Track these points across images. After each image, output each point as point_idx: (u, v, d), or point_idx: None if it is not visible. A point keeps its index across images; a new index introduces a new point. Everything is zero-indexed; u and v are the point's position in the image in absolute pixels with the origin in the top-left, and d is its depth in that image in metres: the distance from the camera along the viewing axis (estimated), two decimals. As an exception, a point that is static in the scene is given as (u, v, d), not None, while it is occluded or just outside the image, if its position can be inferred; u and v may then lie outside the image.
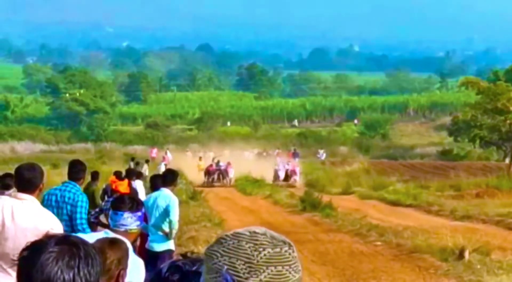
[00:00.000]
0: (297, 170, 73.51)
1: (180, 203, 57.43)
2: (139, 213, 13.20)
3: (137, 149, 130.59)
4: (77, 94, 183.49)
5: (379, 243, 40.49)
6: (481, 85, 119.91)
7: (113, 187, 35.41)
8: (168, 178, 24.79)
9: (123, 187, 34.93)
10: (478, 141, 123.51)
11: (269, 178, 75.91)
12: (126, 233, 13.05)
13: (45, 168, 22.90)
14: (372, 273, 31.13)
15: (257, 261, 4.05)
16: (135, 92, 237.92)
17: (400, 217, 53.82)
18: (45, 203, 19.77)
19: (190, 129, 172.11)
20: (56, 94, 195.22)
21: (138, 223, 13.15)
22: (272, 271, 3.89)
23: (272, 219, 54.99)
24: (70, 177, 21.18)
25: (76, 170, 21.56)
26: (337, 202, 62.45)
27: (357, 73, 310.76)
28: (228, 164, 74.61)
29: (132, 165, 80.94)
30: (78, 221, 19.41)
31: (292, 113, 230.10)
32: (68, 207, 18.77)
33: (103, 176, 42.42)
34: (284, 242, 4.00)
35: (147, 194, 30.64)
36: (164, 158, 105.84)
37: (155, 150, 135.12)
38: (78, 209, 20.21)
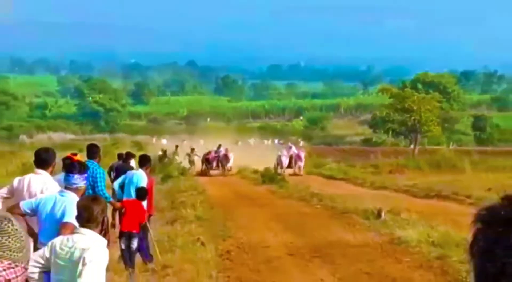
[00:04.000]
0: (302, 155, 66.97)
1: (172, 177, 57.95)
2: (85, 175, 13.28)
3: (142, 138, 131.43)
4: (97, 98, 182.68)
5: (318, 206, 40.74)
6: (393, 91, 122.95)
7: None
8: (142, 162, 24.57)
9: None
10: (390, 132, 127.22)
11: (244, 163, 70.26)
12: (76, 190, 12.95)
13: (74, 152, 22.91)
14: (314, 228, 31.19)
15: None
16: (140, 96, 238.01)
17: (334, 187, 53.86)
18: None
19: (180, 124, 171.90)
20: (82, 97, 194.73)
21: (84, 182, 13.14)
22: None
23: (241, 189, 54.98)
24: (89, 157, 21.17)
25: (92, 151, 21.62)
26: (287, 177, 62.53)
27: (303, 82, 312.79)
28: (226, 150, 68.19)
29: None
30: (99, 188, 19.52)
31: (255, 112, 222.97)
32: (90, 179, 18.65)
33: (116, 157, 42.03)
34: (5, 218, 3.86)
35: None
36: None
37: (154, 138, 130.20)
38: (98, 179, 20.18)
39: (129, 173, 25.38)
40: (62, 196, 12.93)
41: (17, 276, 3.71)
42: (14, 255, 3.66)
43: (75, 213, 11.00)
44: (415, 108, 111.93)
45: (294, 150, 67.34)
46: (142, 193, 21.78)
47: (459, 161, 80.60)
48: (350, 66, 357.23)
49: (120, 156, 31.14)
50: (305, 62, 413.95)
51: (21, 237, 3.79)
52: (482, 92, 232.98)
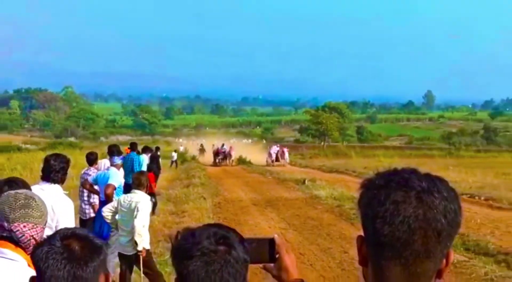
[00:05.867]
0: (286, 153, 63.31)
1: (188, 161, 57.53)
2: (121, 156, 14.92)
3: (169, 138, 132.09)
4: (144, 116, 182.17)
5: (270, 177, 40.93)
6: (312, 112, 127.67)
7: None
8: (144, 150, 24.56)
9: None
10: (310, 135, 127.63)
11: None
12: (116, 165, 14.45)
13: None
14: (267, 190, 31.33)
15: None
16: (169, 115, 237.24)
17: (279, 167, 54.02)
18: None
19: (191, 131, 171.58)
20: (135, 116, 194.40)
21: (120, 160, 14.80)
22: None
23: (227, 168, 54.63)
24: (131, 150, 21.09)
25: (133, 147, 21.56)
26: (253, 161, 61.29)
27: (261, 107, 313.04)
28: (231, 147, 64.76)
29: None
30: (136, 168, 18.33)
31: (233, 124, 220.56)
32: (129, 162, 18.70)
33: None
34: (30, 197, 3.77)
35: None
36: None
37: (176, 139, 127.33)
38: (135, 163, 19.56)
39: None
40: (108, 170, 13.70)
41: (37, 233, 3.62)
42: (36, 220, 3.56)
43: (115, 178, 13.07)
44: (324, 122, 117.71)
45: (276, 148, 63.72)
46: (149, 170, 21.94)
47: (348, 152, 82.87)
48: (287, 99, 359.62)
49: (150, 149, 30.65)
50: (262, 95, 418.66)
51: (41, 208, 3.66)
52: (361, 113, 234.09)
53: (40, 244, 2.57)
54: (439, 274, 1.86)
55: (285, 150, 63.90)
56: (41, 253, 2.52)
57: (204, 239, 2.35)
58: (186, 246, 2.36)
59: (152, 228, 10.78)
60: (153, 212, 15.90)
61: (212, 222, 3.15)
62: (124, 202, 10.12)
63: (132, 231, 9.79)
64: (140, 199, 9.91)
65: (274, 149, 62.69)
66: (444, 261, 1.86)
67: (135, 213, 9.75)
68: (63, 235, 2.58)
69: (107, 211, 10.37)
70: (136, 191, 10.10)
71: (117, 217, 10.20)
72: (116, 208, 10.23)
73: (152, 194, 14.93)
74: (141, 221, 9.78)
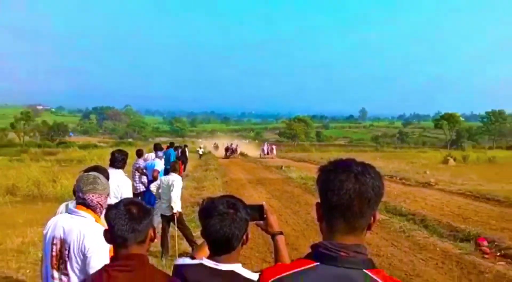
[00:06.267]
0: (274, 149, 60.26)
1: (205, 154, 56.13)
2: (163, 151, 15.73)
3: (193, 140, 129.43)
4: (178, 125, 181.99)
5: (260, 164, 40.37)
6: (287, 122, 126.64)
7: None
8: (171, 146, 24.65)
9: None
10: (286, 137, 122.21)
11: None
12: (160, 157, 15.04)
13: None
14: (257, 172, 30.95)
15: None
16: (193, 124, 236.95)
17: (268, 159, 53.59)
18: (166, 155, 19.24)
19: (208, 134, 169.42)
20: (171, 124, 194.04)
21: (161, 155, 15.35)
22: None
23: (232, 160, 52.20)
24: (170, 147, 21.01)
25: (171, 145, 21.52)
26: (266, 158, 59.81)
27: (253, 119, 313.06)
28: (237, 145, 62.23)
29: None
30: (171, 160, 18.12)
31: (236, 130, 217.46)
32: (165, 156, 18.62)
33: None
34: (97, 176, 3.78)
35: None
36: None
37: (199, 140, 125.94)
38: (171, 156, 19.45)
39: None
40: (154, 160, 14.52)
41: (102, 200, 3.62)
42: (100, 192, 3.56)
43: (158, 166, 13.92)
44: (294, 128, 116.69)
45: (267, 145, 62.34)
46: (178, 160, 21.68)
47: (310, 148, 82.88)
48: (271, 113, 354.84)
49: (180, 147, 30.29)
50: (255, 111, 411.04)
51: (104, 184, 3.69)
52: (319, 123, 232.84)
53: (110, 208, 2.63)
54: (369, 227, 1.89)
55: (274, 146, 61.95)
56: (111, 214, 2.58)
57: (220, 205, 2.54)
58: (208, 209, 2.56)
59: (182, 198, 10.76)
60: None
61: (223, 194, 3.24)
62: (164, 181, 10.31)
63: (169, 200, 10.02)
64: (174, 178, 10.15)
65: (265, 146, 61.12)
66: (372, 219, 1.88)
67: (171, 188, 10.01)
68: (125, 202, 2.65)
69: (153, 187, 10.68)
70: (172, 173, 10.34)
71: (159, 190, 10.38)
72: (159, 185, 10.44)
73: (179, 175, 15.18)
74: (175, 193, 10.01)
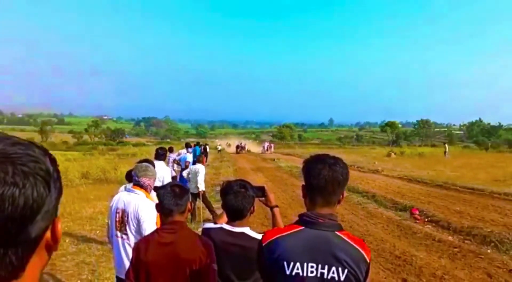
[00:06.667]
0: (272, 147, 56.47)
1: (220, 150, 54.37)
2: (191, 148, 14.49)
3: (212, 139, 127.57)
4: (201, 129, 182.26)
5: (259, 158, 39.76)
6: (278, 128, 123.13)
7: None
8: (187, 146, 24.45)
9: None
10: (278, 139, 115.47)
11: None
12: (189, 153, 13.94)
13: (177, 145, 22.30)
14: (257, 163, 30.73)
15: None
16: (213, 129, 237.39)
17: (267, 154, 53.07)
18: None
19: (223, 136, 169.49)
20: (198, 129, 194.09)
21: (190, 151, 14.08)
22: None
23: (242, 155, 51.44)
24: (196, 145, 20.86)
25: (196, 144, 21.35)
26: (265, 154, 59.08)
27: (254, 125, 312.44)
28: (245, 144, 60.02)
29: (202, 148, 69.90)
30: (197, 154, 18.02)
31: (242, 133, 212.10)
32: (193, 152, 18.44)
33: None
34: (146, 165, 3.57)
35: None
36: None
37: (217, 140, 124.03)
38: (197, 152, 19.19)
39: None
40: (186, 154, 14.18)
41: (151, 182, 3.61)
42: (150, 176, 3.58)
43: (188, 158, 13.30)
44: (283, 132, 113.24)
45: (267, 143, 59.54)
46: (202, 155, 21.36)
47: (294, 146, 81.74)
48: (267, 121, 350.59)
49: (202, 144, 30.16)
50: (256, 120, 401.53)
51: (153, 171, 3.67)
52: (300, 128, 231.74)
53: (159, 188, 2.69)
54: (339, 202, 1.91)
55: (272, 145, 59.26)
56: (161, 193, 2.61)
57: (234, 186, 2.58)
58: (226, 189, 2.59)
59: (205, 181, 10.68)
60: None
61: (235, 178, 3.25)
62: (192, 169, 10.21)
63: (196, 182, 9.96)
64: (199, 167, 10.04)
65: (266, 144, 58.85)
66: (341, 196, 1.90)
67: (197, 174, 9.93)
68: (171, 184, 2.68)
69: (185, 173, 10.59)
70: (198, 164, 10.22)
71: (189, 176, 10.25)
72: (189, 172, 10.33)
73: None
74: (201, 178, 9.92)
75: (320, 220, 1.82)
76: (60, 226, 0.70)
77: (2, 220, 0.60)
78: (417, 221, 10.01)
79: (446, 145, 43.55)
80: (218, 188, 12.22)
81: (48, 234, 0.68)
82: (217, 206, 10.64)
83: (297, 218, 1.89)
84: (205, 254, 2.48)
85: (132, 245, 3.35)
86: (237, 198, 2.52)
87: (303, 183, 1.91)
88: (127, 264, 3.35)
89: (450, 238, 8.39)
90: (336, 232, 1.81)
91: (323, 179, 1.85)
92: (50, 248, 0.70)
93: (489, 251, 7.41)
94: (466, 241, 8.10)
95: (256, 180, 19.07)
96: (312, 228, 1.81)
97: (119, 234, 3.50)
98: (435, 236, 8.54)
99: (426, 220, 10.08)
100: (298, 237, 1.80)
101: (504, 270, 6.33)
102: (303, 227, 1.83)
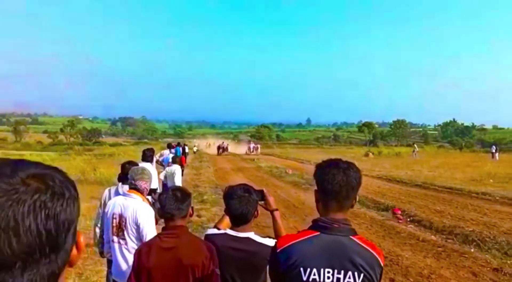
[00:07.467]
0: (258, 147, 52.64)
1: (199, 151, 54.26)
2: (174, 149, 13.97)
3: (191, 140, 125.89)
4: (179, 129, 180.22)
5: (239, 158, 39.70)
6: (257, 128, 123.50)
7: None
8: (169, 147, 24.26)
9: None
10: (256, 139, 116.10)
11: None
12: (171, 152, 13.49)
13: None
14: (237, 163, 30.65)
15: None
16: (191, 129, 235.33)
17: (247, 154, 53.35)
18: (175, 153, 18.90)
19: (200, 137, 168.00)
20: (175, 130, 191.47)
21: (173, 151, 13.71)
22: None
23: (223, 155, 50.42)
24: (177, 146, 20.67)
25: (178, 144, 21.15)
26: (251, 155, 58.89)
27: (232, 125, 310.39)
28: (227, 144, 57.07)
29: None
30: (179, 155, 17.86)
31: (219, 134, 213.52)
32: (180, 152, 18.31)
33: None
34: (143, 168, 3.50)
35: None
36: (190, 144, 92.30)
37: (195, 140, 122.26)
38: (178, 152, 18.98)
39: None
40: (168, 156, 13.02)
41: (147, 185, 3.60)
42: (146, 179, 3.56)
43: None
44: (262, 132, 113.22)
45: (253, 144, 55.41)
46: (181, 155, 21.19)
47: (272, 146, 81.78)
48: (244, 122, 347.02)
49: (181, 145, 29.94)
50: (233, 120, 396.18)
51: (149, 173, 3.64)
52: (278, 128, 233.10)
53: (161, 194, 2.64)
54: (352, 206, 1.91)
55: (258, 145, 55.62)
56: (162, 197, 2.59)
57: (238, 190, 2.54)
58: (230, 193, 2.54)
59: (184, 181, 10.53)
60: (182, 174, 15.88)
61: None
62: (168, 170, 9.96)
63: (174, 183, 9.58)
64: (176, 168, 9.84)
65: (251, 145, 55.40)
66: (354, 200, 1.92)
67: (174, 175, 9.71)
68: (172, 188, 2.66)
69: (162, 175, 10.05)
70: (174, 165, 9.98)
71: (166, 177, 9.93)
72: (165, 174, 10.01)
73: (182, 166, 14.67)
74: (178, 178, 9.67)
75: (335, 225, 1.82)
76: (83, 239, 0.81)
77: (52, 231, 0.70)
78: (400, 221, 10.12)
79: (415, 145, 44.61)
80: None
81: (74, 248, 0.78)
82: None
83: (310, 223, 1.88)
84: (207, 258, 2.45)
85: (130, 249, 3.35)
86: (242, 203, 2.49)
87: (316, 188, 1.91)
88: (124, 268, 3.37)
89: (433, 237, 8.53)
90: (351, 237, 1.83)
91: (337, 184, 1.84)
92: (73, 261, 0.77)
93: (472, 250, 7.56)
94: (448, 240, 8.25)
95: (238, 180, 19.00)
96: (328, 233, 1.81)
97: (116, 239, 3.46)
98: (419, 235, 8.66)
99: (408, 219, 10.21)
100: (314, 243, 1.79)
101: (488, 268, 6.49)
102: (318, 233, 1.82)
